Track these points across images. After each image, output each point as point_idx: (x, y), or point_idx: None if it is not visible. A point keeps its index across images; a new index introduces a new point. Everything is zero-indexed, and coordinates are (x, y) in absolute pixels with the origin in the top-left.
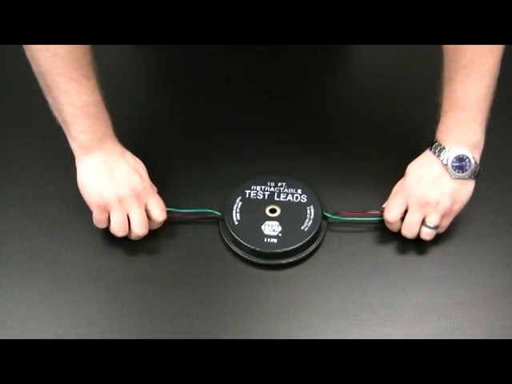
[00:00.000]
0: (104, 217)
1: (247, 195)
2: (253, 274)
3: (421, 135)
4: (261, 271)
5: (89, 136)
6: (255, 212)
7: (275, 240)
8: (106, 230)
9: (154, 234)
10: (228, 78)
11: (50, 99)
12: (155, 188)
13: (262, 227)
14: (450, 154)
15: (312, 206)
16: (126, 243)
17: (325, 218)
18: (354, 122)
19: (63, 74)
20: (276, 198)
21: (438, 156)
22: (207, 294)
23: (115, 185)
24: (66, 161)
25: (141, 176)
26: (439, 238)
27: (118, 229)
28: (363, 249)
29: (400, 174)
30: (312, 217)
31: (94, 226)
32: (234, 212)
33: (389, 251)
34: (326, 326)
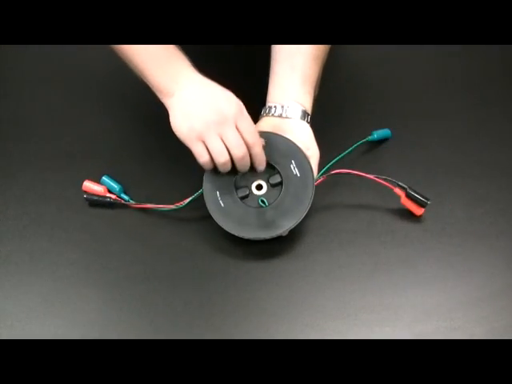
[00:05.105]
0: (202, 149)
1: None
2: (253, 274)
3: (417, 133)
4: (261, 271)
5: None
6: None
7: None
8: (104, 229)
9: (153, 234)
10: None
11: (123, 52)
12: (242, 108)
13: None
14: None
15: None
16: (126, 243)
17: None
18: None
19: None
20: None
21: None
22: (207, 294)
23: (202, 115)
24: (66, 161)
25: (222, 102)
26: (439, 238)
27: (218, 155)
28: (363, 249)
29: (395, 169)
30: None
31: (94, 226)
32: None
33: (389, 251)
34: (326, 326)
